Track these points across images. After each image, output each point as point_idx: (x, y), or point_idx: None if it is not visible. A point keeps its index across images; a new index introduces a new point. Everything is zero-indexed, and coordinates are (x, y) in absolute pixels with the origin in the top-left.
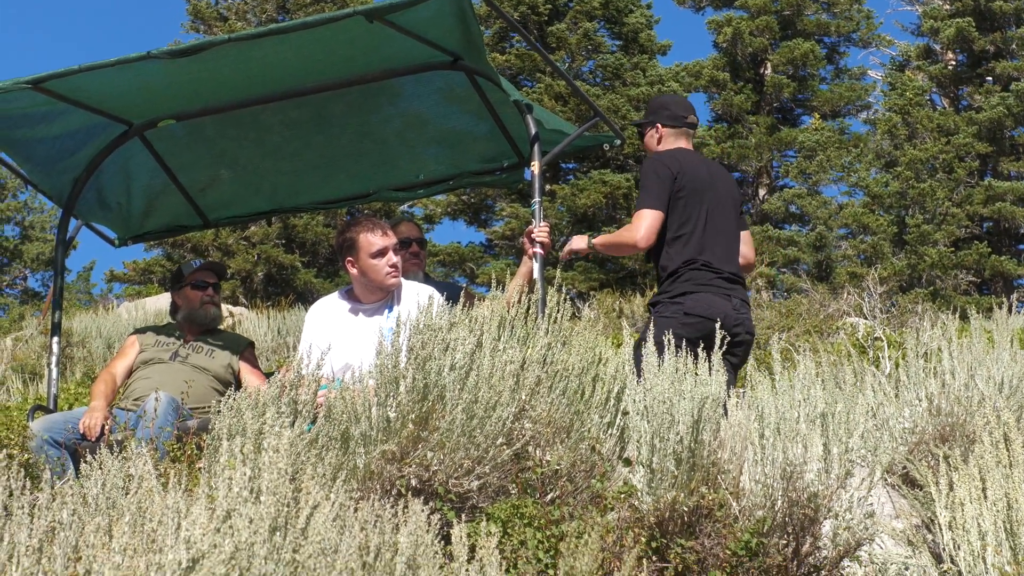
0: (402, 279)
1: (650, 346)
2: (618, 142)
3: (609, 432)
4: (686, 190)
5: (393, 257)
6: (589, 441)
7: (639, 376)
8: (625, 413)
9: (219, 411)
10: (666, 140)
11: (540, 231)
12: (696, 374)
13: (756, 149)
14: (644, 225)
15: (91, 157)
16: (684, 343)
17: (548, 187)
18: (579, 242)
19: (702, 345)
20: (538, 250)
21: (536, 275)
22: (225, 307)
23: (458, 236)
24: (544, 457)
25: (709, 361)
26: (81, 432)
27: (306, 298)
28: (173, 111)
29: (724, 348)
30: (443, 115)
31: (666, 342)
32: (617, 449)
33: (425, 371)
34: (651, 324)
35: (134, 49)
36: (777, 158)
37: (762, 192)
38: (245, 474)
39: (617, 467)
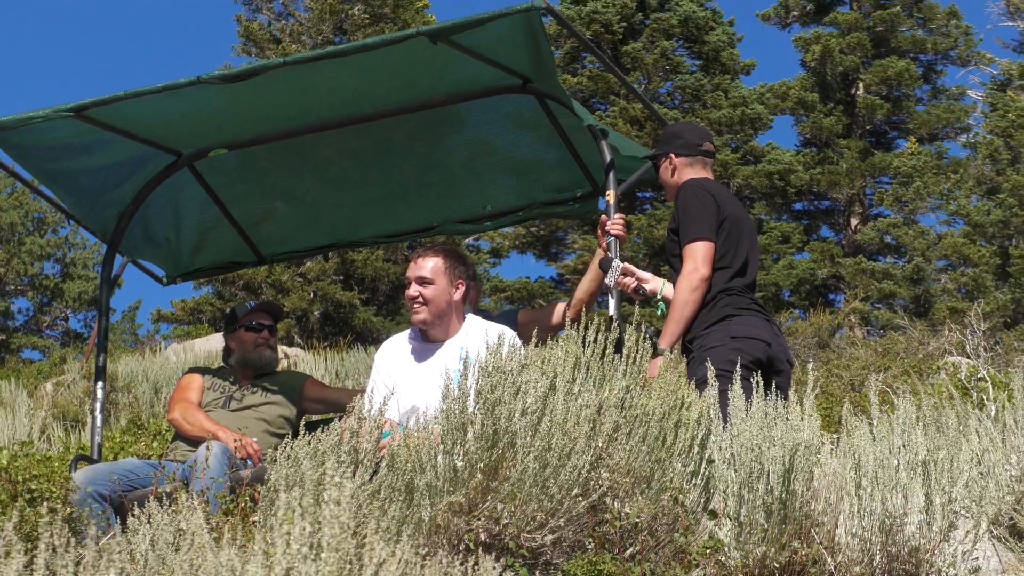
0: (474, 316)
1: (736, 389)
2: None
3: (693, 482)
4: (729, 219)
5: (411, 289)
6: (671, 492)
7: (724, 421)
8: (710, 461)
9: (275, 460)
10: (681, 171)
11: (614, 223)
12: (787, 417)
13: (848, 175)
14: (701, 257)
15: (137, 190)
16: (739, 371)
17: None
18: (652, 283)
19: (756, 374)
20: (612, 244)
21: (609, 280)
22: (280, 348)
23: (527, 270)
24: (623, 509)
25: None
26: (242, 457)
27: (365, 338)
28: (224, 140)
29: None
30: (512, 142)
31: (723, 372)
32: (702, 500)
33: (494, 416)
34: (695, 364)
35: (182, 74)
36: (871, 185)
37: (855, 222)
38: (304, 529)
39: (702, 520)
